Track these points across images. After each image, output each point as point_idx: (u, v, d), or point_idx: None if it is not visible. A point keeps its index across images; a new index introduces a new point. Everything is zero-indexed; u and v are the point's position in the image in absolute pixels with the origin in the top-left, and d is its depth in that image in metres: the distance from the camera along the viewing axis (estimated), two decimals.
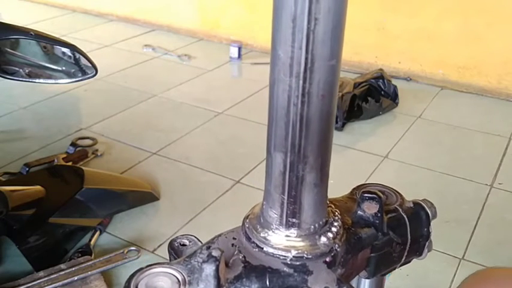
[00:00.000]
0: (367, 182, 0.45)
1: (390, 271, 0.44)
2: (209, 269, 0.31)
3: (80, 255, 1.46)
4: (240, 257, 0.35)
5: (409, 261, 0.45)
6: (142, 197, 1.76)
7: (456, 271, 1.52)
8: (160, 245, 1.58)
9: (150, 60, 2.99)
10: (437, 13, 2.61)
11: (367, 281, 0.46)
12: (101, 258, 1.41)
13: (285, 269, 0.34)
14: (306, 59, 0.27)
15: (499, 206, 1.81)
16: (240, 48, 2.98)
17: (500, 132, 2.26)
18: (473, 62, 2.62)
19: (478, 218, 1.74)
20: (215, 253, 0.31)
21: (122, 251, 1.43)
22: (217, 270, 0.31)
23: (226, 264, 0.34)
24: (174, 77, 2.77)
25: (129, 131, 2.21)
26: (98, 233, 1.58)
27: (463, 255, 1.57)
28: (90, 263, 1.39)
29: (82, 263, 1.39)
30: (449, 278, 1.50)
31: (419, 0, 2.67)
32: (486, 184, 1.92)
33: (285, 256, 0.34)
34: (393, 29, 2.73)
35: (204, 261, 0.31)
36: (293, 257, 0.34)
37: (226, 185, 1.87)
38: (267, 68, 0.41)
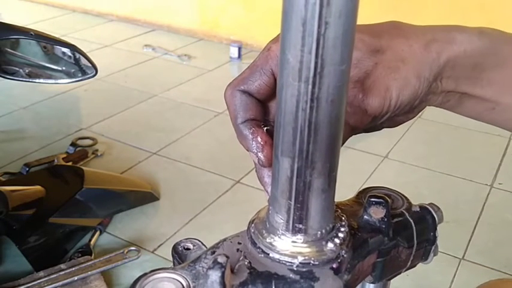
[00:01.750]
0: (372, 186, 0.45)
1: (396, 275, 0.44)
2: (215, 275, 0.31)
3: (80, 255, 1.46)
4: (246, 262, 0.34)
5: (415, 266, 0.45)
6: (143, 197, 1.75)
7: (456, 271, 1.52)
8: (161, 245, 1.58)
9: (150, 60, 2.99)
10: (438, 13, 2.61)
11: (372, 285, 0.45)
12: (101, 258, 1.40)
13: (291, 275, 0.33)
14: (316, 63, 0.27)
15: (499, 206, 1.81)
16: (240, 48, 2.98)
17: (500, 132, 2.26)
18: None
19: (478, 218, 1.74)
20: (221, 259, 0.31)
21: (122, 251, 1.43)
22: (222, 276, 0.31)
23: (232, 270, 0.34)
24: (174, 77, 2.76)
25: (129, 131, 2.21)
26: (98, 233, 1.58)
27: (463, 255, 1.57)
28: (90, 263, 1.39)
29: (82, 263, 1.39)
30: (450, 278, 1.50)
31: (419, 0, 2.67)
32: (486, 184, 1.92)
33: (291, 262, 0.34)
34: None
35: (209, 268, 0.31)
36: (299, 263, 0.33)
37: (226, 185, 1.87)
38: None
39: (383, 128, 0.44)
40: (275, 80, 0.39)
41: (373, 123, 0.39)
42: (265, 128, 0.39)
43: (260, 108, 0.39)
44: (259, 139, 0.37)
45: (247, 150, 0.38)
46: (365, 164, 2.02)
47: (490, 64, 0.42)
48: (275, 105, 0.40)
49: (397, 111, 0.40)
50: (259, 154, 0.37)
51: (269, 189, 0.37)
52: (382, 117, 0.39)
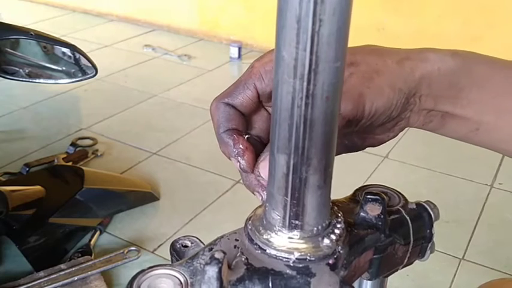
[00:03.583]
0: (369, 183, 0.45)
1: (392, 273, 0.44)
2: (212, 271, 0.31)
3: (80, 255, 1.47)
4: (243, 259, 0.35)
5: (411, 263, 0.45)
6: (143, 197, 1.76)
7: (456, 271, 1.52)
8: (161, 245, 1.58)
9: (150, 60, 2.99)
10: (438, 14, 2.61)
11: (369, 282, 0.46)
12: (101, 258, 1.41)
13: (287, 271, 0.34)
14: (311, 60, 0.27)
15: (499, 206, 1.81)
16: (240, 48, 2.98)
17: None
18: None
19: (478, 218, 1.74)
20: (218, 255, 0.31)
21: (122, 251, 1.43)
22: (219, 272, 0.31)
23: (229, 266, 0.34)
24: (174, 77, 2.77)
25: (129, 131, 2.21)
26: (98, 233, 1.58)
27: (463, 255, 1.58)
28: (90, 263, 1.39)
29: (82, 263, 1.39)
30: (449, 278, 1.50)
31: (419, 0, 2.67)
32: (486, 184, 1.92)
33: (287, 258, 0.34)
34: (393, 30, 2.73)
35: (206, 264, 0.31)
36: (296, 259, 0.34)
37: (226, 185, 1.87)
38: None
39: (366, 147, 0.45)
40: (258, 94, 0.40)
41: (349, 128, 0.40)
42: (246, 136, 0.40)
43: (242, 120, 0.41)
44: (240, 145, 0.39)
45: (229, 158, 0.39)
46: (365, 164, 2.02)
47: (466, 83, 0.43)
48: (258, 118, 0.42)
49: (373, 119, 0.41)
50: (240, 159, 0.39)
51: (261, 192, 0.39)
52: (357, 123, 0.40)
